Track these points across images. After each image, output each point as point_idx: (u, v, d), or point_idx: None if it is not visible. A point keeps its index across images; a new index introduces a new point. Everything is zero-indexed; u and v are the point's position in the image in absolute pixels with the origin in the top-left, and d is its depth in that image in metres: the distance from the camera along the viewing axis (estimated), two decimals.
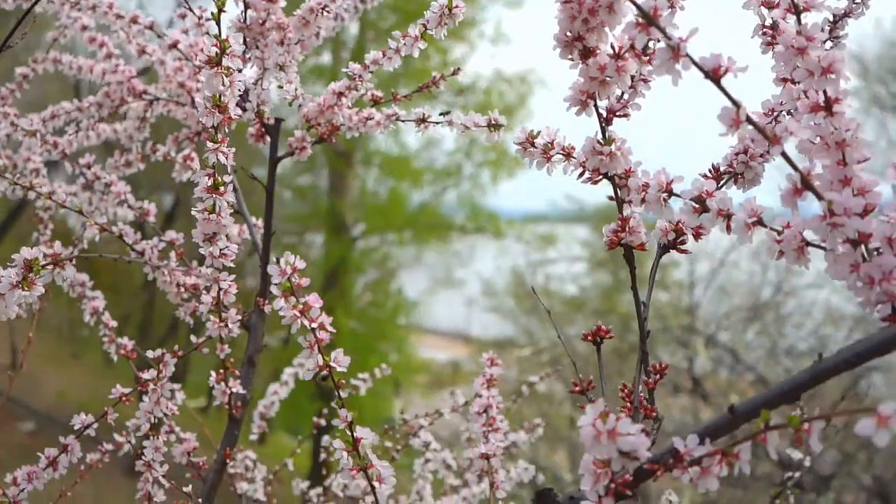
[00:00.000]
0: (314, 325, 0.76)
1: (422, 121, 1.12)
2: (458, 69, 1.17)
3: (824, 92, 0.64)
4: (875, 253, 0.63)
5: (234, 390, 1.12)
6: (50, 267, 0.79)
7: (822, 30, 0.85)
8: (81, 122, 1.38)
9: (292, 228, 10.76)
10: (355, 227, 10.86)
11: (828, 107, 0.64)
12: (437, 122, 1.10)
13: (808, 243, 0.65)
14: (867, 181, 0.64)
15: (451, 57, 10.18)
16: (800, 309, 7.51)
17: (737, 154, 0.81)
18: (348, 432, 0.78)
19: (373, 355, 9.28)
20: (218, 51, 0.82)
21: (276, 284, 0.74)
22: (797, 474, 1.25)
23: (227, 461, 1.15)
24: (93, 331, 1.30)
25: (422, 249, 11.06)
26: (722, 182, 0.82)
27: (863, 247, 0.63)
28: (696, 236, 0.81)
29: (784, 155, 0.61)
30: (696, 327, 6.81)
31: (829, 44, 0.84)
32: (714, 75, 0.60)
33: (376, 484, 0.78)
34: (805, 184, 0.61)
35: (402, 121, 1.14)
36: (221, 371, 1.11)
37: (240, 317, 1.06)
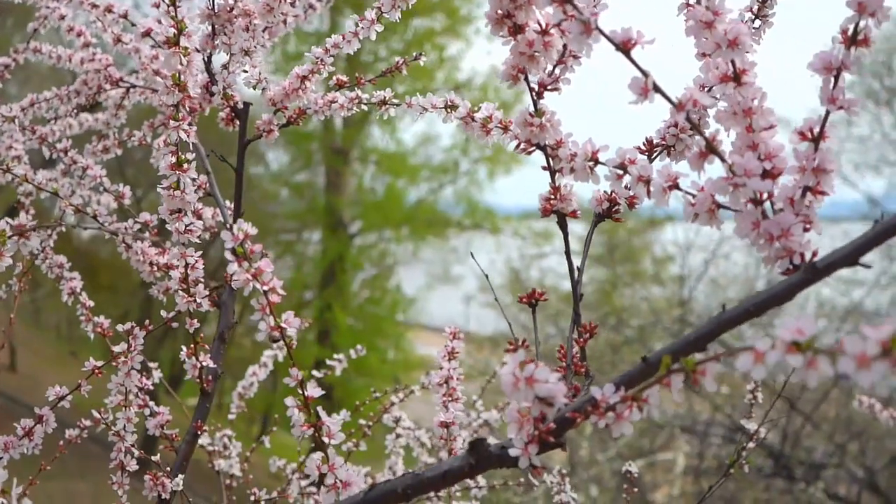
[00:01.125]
0: (266, 287, 0.80)
1: (383, 103, 1.16)
2: (420, 54, 1.22)
3: (732, 63, 0.68)
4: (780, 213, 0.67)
5: (204, 364, 1.16)
6: (15, 238, 0.83)
7: (751, 9, 0.89)
8: (59, 109, 1.42)
9: (290, 226, 10.80)
10: (352, 224, 10.91)
11: (736, 77, 0.69)
12: (396, 104, 1.15)
13: (720, 205, 0.69)
14: (773, 147, 0.68)
15: (447, 54, 10.23)
16: (793, 302, 7.52)
17: (668, 127, 0.85)
18: (299, 391, 0.83)
19: (371, 352, 9.33)
20: (175, 31, 0.87)
21: (228, 250, 0.78)
22: (751, 444, 1.30)
23: (199, 433, 1.19)
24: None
25: (419, 246, 11.11)
26: (655, 154, 0.86)
27: (769, 206, 0.67)
28: (631, 206, 0.85)
29: (689, 121, 0.65)
30: (688, 319, 6.85)
31: (757, 22, 0.88)
32: (624, 48, 0.64)
33: (326, 440, 0.82)
34: (710, 148, 0.66)
35: (365, 103, 1.19)
36: (192, 346, 1.16)
37: (208, 292, 1.11)
